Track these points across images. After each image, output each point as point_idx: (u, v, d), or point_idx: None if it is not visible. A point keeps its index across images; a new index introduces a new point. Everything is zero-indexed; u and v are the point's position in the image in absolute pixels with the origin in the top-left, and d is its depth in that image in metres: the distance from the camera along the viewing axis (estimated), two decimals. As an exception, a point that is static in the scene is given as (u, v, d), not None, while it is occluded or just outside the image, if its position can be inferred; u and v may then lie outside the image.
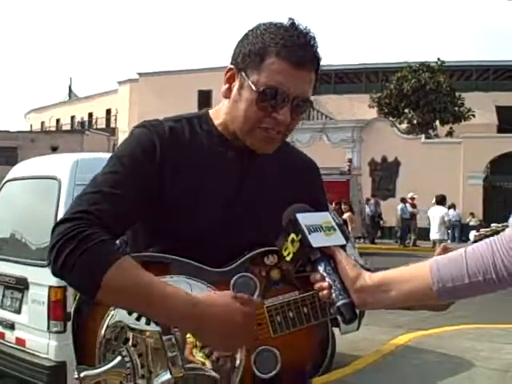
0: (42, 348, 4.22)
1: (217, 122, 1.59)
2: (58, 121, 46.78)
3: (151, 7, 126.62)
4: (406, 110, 29.85)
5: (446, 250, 1.34)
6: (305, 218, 1.35)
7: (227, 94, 1.54)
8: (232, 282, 1.45)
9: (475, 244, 1.22)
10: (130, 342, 1.39)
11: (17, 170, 5.26)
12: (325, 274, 1.31)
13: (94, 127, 38.84)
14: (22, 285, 4.49)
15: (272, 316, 1.43)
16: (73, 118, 45.60)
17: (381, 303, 1.31)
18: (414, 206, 22.55)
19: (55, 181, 4.45)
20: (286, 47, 1.44)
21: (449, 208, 18.65)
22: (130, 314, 1.39)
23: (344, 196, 18.47)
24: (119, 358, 1.37)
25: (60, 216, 4.05)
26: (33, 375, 4.28)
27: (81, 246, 1.31)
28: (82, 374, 1.35)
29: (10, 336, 4.55)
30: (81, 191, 1.48)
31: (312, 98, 1.53)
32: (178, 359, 1.36)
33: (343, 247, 1.36)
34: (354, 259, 1.36)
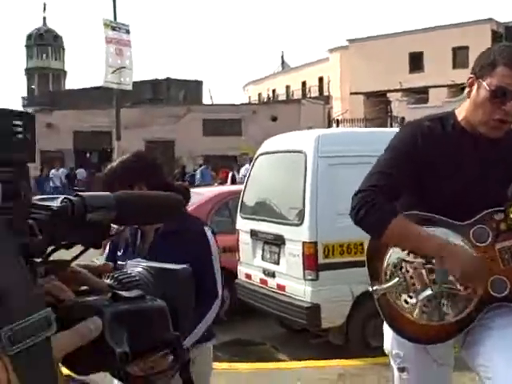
0: (299, 292, 5.16)
1: (460, 117, 2.28)
2: (273, 91, 48.97)
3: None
4: None
5: None
6: None
7: (469, 95, 2.24)
8: (472, 231, 2.18)
9: None
10: (404, 269, 2.18)
11: (267, 145, 6.26)
12: None
13: (308, 96, 40.03)
14: (279, 241, 5.47)
15: (502, 254, 2.16)
16: (287, 87, 47.37)
17: None
18: None
19: (301, 154, 5.32)
20: (511, 59, 2.11)
21: None
22: (402, 250, 2.19)
23: None
24: (397, 279, 2.18)
25: (308, 184, 4.97)
26: (292, 314, 5.25)
27: (372, 207, 2.13)
28: (374, 288, 2.17)
29: (272, 282, 5.58)
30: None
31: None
32: (436, 280, 2.12)
33: None
34: None
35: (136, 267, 0.88)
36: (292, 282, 5.26)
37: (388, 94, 36.04)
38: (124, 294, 0.79)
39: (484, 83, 2.13)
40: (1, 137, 0.71)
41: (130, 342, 0.75)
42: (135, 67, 28.16)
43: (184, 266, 0.92)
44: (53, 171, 25.38)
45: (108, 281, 0.84)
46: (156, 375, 0.84)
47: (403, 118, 31.99)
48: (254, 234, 5.88)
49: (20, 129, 0.73)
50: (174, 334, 0.82)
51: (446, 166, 2.21)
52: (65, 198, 0.76)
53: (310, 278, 5.04)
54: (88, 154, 33.33)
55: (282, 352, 5.84)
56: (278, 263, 5.50)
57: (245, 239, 6.05)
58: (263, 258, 5.75)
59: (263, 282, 5.69)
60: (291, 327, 6.14)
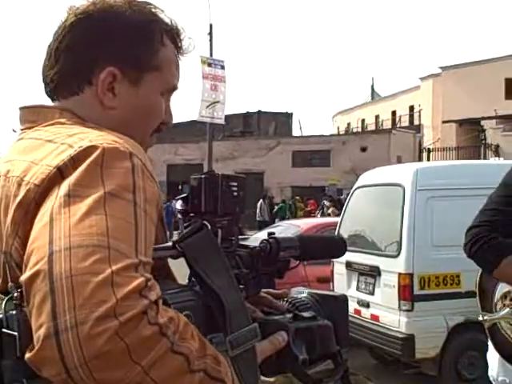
0: (394, 323, 5.25)
1: None
2: (363, 121, 48.87)
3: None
4: None
5: None
6: None
7: None
8: None
9: None
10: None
11: (365, 178, 6.44)
12: None
13: (398, 125, 39.69)
14: (374, 272, 5.60)
15: None
16: (377, 117, 47.15)
17: None
18: None
19: (400, 187, 5.46)
20: None
21: None
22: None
23: None
24: (508, 309, 2.30)
25: (405, 217, 5.08)
26: (387, 344, 5.35)
27: (485, 244, 2.27)
28: (485, 317, 2.29)
29: (366, 313, 5.69)
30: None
31: None
32: None
33: None
34: None
35: (301, 293, 1.13)
36: (387, 312, 5.36)
37: (482, 122, 35.17)
38: (302, 314, 1.05)
39: None
40: (223, 195, 1.00)
41: (307, 351, 1.00)
42: (227, 101, 28.98)
43: (341, 293, 1.21)
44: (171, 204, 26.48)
45: (285, 304, 1.11)
46: (326, 379, 1.08)
47: (498, 146, 31.11)
48: (349, 264, 6.03)
49: (235, 188, 1.02)
50: (336, 346, 1.07)
51: None
52: (264, 239, 1.03)
53: (405, 308, 5.13)
54: (180, 186, 34.51)
55: (375, 383, 5.90)
56: (372, 294, 5.62)
57: (340, 270, 6.21)
58: (358, 289, 5.88)
59: (357, 312, 5.81)
60: (383, 358, 6.20)
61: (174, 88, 1.16)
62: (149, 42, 1.10)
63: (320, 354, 1.05)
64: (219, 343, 0.89)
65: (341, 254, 1.18)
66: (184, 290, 0.94)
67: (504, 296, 2.33)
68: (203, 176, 1.01)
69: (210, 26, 28.71)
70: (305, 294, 1.14)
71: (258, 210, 25.17)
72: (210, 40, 28.62)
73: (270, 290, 1.12)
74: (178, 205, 26.15)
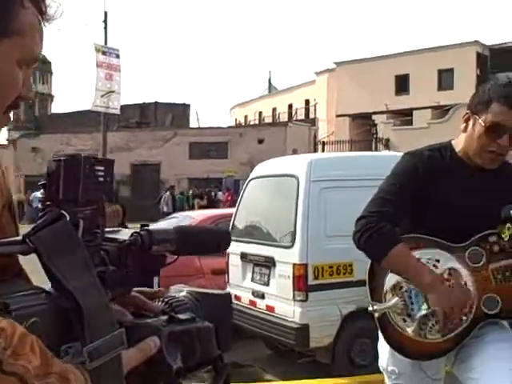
0: (289, 313, 5.25)
1: (457, 149, 2.44)
2: (260, 114, 49.29)
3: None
4: None
5: None
6: None
7: (465, 130, 2.40)
8: (467, 252, 2.32)
9: None
10: (403, 289, 2.30)
11: (259, 170, 6.40)
12: None
13: (294, 118, 40.36)
14: (269, 262, 5.57)
15: (494, 274, 2.29)
16: (274, 110, 47.71)
17: None
18: None
19: (294, 178, 5.46)
20: (504, 97, 2.26)
21: None
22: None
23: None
24: (396, 299, 2.29)
25: (300, 207, 5.11)
26: (282, 334, 5.34)
27: (374, 233, 2.25)
28: (374, 307, 2.25)
29: (261, 304, 5.66)
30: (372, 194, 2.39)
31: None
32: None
33: None
34: None
35: (181, 292, 1.00)
36: (281, 303, 5.35)
37: (373, 116, 36.45)
38: (178, 316, 0.91)
39: (479, 119, 2.29)
40: (86, 180, 0.84)
41: (183, 358, 0.86)
42: (123, 91, 28.37)
43: (225, 291, 1.07)
44: (34, 194, 25.23)
45: (160, 304, 0.96)
46: None
47: (388, 140, 32.41)
48: (244, 256, 5.97)
49: (101, 173, 0.86)
50: (218, 351, 0.94)
51: (445, 194, 2.35)
52: (134, 232, 0.88)
53: (299, 298, 5.14)
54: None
55: (271, 373, 5.91)
56: (267, 285, 5.59)
57: (235, 261, 6.14)
58: (253, 280, 5.84)
59: (252, 303, 5.77)
60: (278, 348, 6.21)
61: (36, 58, 1.00)
62: (5, 2, 0.94)
63: (199, 360, 0.93)
64: (76, 354, 0.75)
65: (224, 247, 1.07)
66: (36, 293, 0.79)
67: (393, 286, 2.32)
68: (63, 158, 0.86)
69: (105, 13, 27.92)
70: (184, 293, 1.01)
71: (162, 202, 24.86)
72: (105, 28, 27.81)
73: (144, 289, 0.98)
74: (39, 193, 25.13)
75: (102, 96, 26.40)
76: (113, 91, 26.73)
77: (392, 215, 2.30)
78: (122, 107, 30.20)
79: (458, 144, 2.44)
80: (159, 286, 1.02)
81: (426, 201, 2.35)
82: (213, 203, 23.88)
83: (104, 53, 26.85)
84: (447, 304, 2.21)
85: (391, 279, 2.33)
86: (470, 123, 2.36)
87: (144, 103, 43.49)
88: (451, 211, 2.33)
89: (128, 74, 35.75)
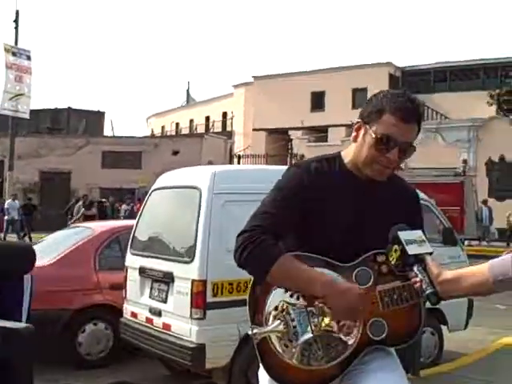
0: (186, 332, 4.99)
1: (346, 160, 2.28)
2: (177, 125, 48.89)
3: (266, 11, 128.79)
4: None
5: None
6: (404, 235, 2.06)
7: (355, 139, 2.23)
8: (354, 272, 2.15)
9: None
10: (285, 312, 2.09)
11: (162, 180, 6.11)
12: (417, 272, 2.01)
13: (212, 130, 40.26)
14: (168, 278, 5.30)
15: (382, 297, 2.11)
16: (191, 121, 47.47)
17: (455, 292, 1.91)
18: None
19: (196, 190, 5.22)
20: (397, 109, 2.11)
21: None
22: (285, 291, 2.11)
23: (458, 198, 18.35)
24: (278, 322, 2.09)
25: (201, 221, 4.88)
26: (177, 355, 5.06)
27: (256, 247, 2.06)
28: (254, 331, 2.05)
29: (158, 321, 5.37)
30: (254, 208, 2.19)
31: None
32: (317, 324, 2.07)
33: (431, 254, 1.99)
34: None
35: None
36: (178, 321, 5.09)
37: (290, 132, 36.88)
38: None
39: (370, 130, 2.14)
40: None
41: None
42: (34, 95, 27.38)
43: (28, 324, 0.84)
44: (8, 201, 23.57)
45: None
46: None
47: (303, 156, 32.80)
48: (142, 270, 5.68)
49: None
50: None
51: (331, 207, 2.19)
52: None
53: (196, 316, 4.90)
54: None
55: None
56: (165, 302, 5.32)
57: (133, 276, 5.83)
58: (151, 296, 5.55)
59: (149, 320, 5.48)
60: (175, 369, 5.94)
61: None
62: None
63: None
64: None
65: (25, 266, 0.84)
66: None
67: (275, 308, 2.12)
68: None
69: (17, 12, 26.97)
70: None
71: (75, 212, 23.80)
72: (16, 28, 26.82)
73: None
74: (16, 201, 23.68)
75: (11, 99, 25.39)
76: (22, 94, 25.75)
77: (275, 229, 2.12)
78: (33, 112, 29.10)
79: (347, 155, 2.29)
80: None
81: (311, 215, 2.18)
82: (104, 214, 22.99)
83: (14, 54, 25.84)
84: (345, 303, 2.04)
85: (274, 299, 2.13)
86: (361, 133, 2.21)
87: (56, 108, 42.15)
88: (338, 228, 2.18)
89: (40, 77, 34.53)
